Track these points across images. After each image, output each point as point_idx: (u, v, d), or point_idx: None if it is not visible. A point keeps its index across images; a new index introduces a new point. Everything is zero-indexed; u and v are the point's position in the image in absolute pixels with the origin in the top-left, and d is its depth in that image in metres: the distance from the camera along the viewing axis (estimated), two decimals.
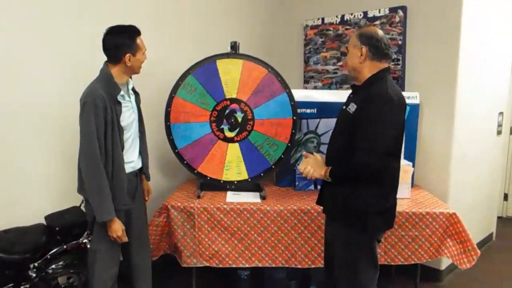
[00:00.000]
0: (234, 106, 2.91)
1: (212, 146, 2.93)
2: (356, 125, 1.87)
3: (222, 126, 2.92)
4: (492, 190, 4.10)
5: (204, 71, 2.88)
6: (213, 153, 2.93)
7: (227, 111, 2.91)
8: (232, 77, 2.89)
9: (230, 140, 2.94)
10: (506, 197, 4.94)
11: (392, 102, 1.85)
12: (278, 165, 2.97)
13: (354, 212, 1.94)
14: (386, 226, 2.06)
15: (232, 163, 2.94)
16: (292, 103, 2.91)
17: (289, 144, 2.94)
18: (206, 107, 2.90)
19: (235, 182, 2.95)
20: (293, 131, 2.92)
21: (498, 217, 4.45)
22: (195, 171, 2.92)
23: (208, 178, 2.93)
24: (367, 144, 1.81)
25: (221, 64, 2.89)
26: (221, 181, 2.94)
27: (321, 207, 2.21)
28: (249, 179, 2.95)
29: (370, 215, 1.93)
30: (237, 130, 2.93)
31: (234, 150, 2.94)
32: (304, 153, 2.17)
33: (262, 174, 2.96)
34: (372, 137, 1.82)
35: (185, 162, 2.91)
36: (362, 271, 2.00)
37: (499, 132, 4.04)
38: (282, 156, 2.95)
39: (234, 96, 2.90)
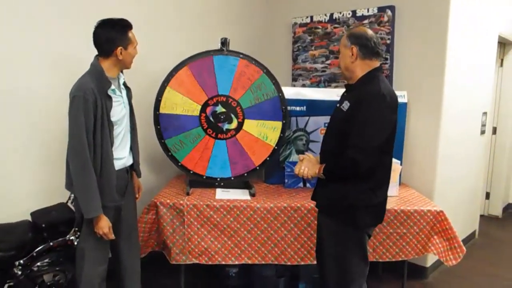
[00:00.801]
0: (209, 109, 2.88)
1: (240, 144, 2.92)
2: (349, 123, 1.91)
3: (224, 128, 2.91)
4: (475, 189, 4.18)
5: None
6: (247, 145, 2.92)
7: (211, 118, 2.89)
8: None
9: (241, 125, 2.92)
10: (488, 195, 5.05)
11: (384, 100, 1.88)
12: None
13: (344, 206, 1.98)
14: (376, 221, 2.09)
15: (261, 130, 2.92)
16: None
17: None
18: (199, 138, 2.90)
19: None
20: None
21: (481, 216, 4.54)
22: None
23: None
24: (359, 142, 1.85)
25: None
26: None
27: (313, 203, 2.25)
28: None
29: (360, 209, 1.96)
30: (232, 116, 2.90)
31: (250, 125, 2.92)
32: (298, 156, 2.20)
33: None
34: (363, 135, 1.86)
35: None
36: (351, 264, 2.03)
37: (482, 132, 4.12)
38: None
39: (200, 104, 2.88)
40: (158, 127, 2.85)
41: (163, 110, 2.83)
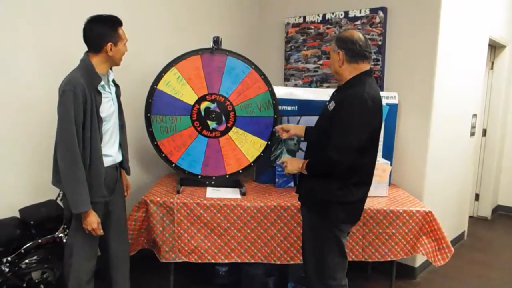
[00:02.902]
0: (204, 104, 2.87)
1: (220, 147, 2.92)
2: (332, 123, 1.99)
3: (211, 127, 2.90)
4: (464, 190, 4.21)
5: (156, 104, 2.83)
6: (225, 150, 2.92)
7: (203, 113, 2.88)
8: (179, 86, 2.84)
9: (227, 130, 2.91)
10: (477, 197, 5.09)
11: (365, 104, 1.94)
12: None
13: (320, 200, 2.07)
14: (351, 219, 2.16)
15: (244, 143, 2.93)
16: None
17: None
18: (186, 126, 2.87)
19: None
20: (262, 154, 2.96)
21: (470, 217, 4.58)
22: (173, 165, 2.88)
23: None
24: (337, 142, 1.94)
25: (163, 86, 2.82)
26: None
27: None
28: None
29: (334, 205, 2.04)
30: (223, 118, 2.90)
31: (236, 133, 2.92)
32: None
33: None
34: (342, 136, 1.94)
35: (163, 155, 2.87)
36: (328, 258, 2.11)
37: (472, 134, 4.15)
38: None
39: (196, 97, 2.86)
40: (150, 100, 2.81)
41: (161, 87, 2.81)
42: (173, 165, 2.88)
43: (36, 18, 2.55)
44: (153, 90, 2.81)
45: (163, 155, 2.86)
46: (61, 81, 2.01)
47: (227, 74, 2.88)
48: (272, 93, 2.93)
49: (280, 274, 2.99)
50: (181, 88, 2.84)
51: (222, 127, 2.91)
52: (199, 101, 2.87)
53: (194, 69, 2.84)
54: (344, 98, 1.99)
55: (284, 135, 2.52)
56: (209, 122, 2.90)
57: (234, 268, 3.04)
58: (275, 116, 2.93)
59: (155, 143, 2.85)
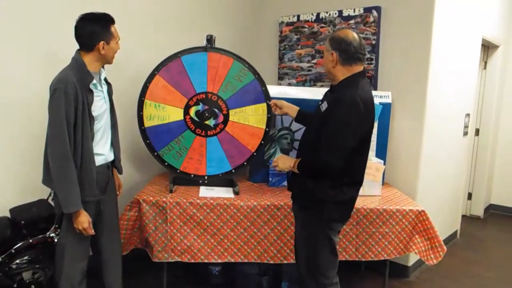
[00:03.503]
0: (201, 96, 2.86)
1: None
2: (324, 124, 1.99)
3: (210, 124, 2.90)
4: (457, 189, 4.23)
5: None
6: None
7: (197, 119, 2.87)
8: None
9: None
10: (470, 196, 5.12)
11: (357, 108, 1.94)
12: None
13: (313, 200, 2.09)
14: (342, 218, 2.17)
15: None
16: (256, 76, 2.91)
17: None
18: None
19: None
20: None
21: (462, 216, 4.60)
22: (166, 163, 2.86)
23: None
24: (330, 144, 1.96)
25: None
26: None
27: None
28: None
29: (327, 204, 2.06)
30: (216, 111, 2.88)
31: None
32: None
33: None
34: (333, 139, 1.96)
35: (155, 153, 2.85)
36: (320, 257, 2.12)
37: (465, 133, 4.17)
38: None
39: (182, 107, 2.85)
40: (148, 141, 2.82)
41: (147, 124, 2.81)
42: (166, 164, 2.86)
43: (26, 15, 2.52)
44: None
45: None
46: (52, 80, 1.99)
47: (190, 71, 2.84)
48: (239, 59, 2.90)
49: (274, 274, 2.99)
50: (164, 112, 2.82)
51: (221, 119, 2.90)
52: (186, 111, 2.85)
53: (162, 88, 2.80)
54: (337, 100, 1.98)
55: (278, 111, 2.62)
56: (207, 122, 2.88)
57: (227, 268, 3.03)
58: (256, 76, 2.91)
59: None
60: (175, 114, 2.84)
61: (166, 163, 2.86)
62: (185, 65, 2.83)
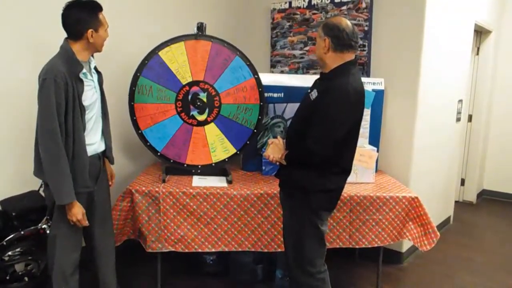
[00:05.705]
0: (194, 88, 2.84)
1: (191, 136, 2.87)
2: (313, 113, 1.98)
3: (191, 113, 2.85)
4: (450, 175, 4.25)
5: (151, 68, 2.77)
6: (194, 142, 2.88)
7: (189, 97, 2.83)
8: (180, 62, 2.80)
9: (205, 123, 2.88)
10: (463, 182, 5.15)
11: (348, 97, 1.93)
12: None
13: (300, 189, 2.08)
14: (328, 207, 2.17)
15: (215, 144, 2.90)
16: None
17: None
18: (168, 101, 2.81)
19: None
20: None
21: (455, 202, 4.63)
22: (158, 153, 2.84)
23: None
24: (317, 133, 1.95)
25: (163, 54, 2.78)
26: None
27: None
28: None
29: (314, 193, 2.06)
30: (207, 110, 2.87)
31: (212, 131, 2.89)
32: (268, 140, 2.26)
33: (248, 142, 2.94)
34: (323, 128, 1.94)
35: (148, 144, 2.82)
36: (307, 245, 2.12)
37: (458, 120, 4.18)
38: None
39: (190, 79, 2.82)
40: (148, 144, 2.81)
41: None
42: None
43: (11, 3, 2.47)
44: (136, 78, 2.75)
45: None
46: (41, 69, 1.95)
47: (230, 71, 2.85)
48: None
49: (269, 262, 2.99)
50: (180, 63, 2.80)
51: (201, 118, 2.87)
52: (191, 84, 2.82)
53: (203, 52, 2.80)
54: (328, 89, 1.97)
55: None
56: (191, 107, 2.86)
57: (222, 256, 3.03)
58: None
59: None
60: (184, 75, 2.82)
61: (134, 118, 2.79)
62: (232, 62, 2.85)
